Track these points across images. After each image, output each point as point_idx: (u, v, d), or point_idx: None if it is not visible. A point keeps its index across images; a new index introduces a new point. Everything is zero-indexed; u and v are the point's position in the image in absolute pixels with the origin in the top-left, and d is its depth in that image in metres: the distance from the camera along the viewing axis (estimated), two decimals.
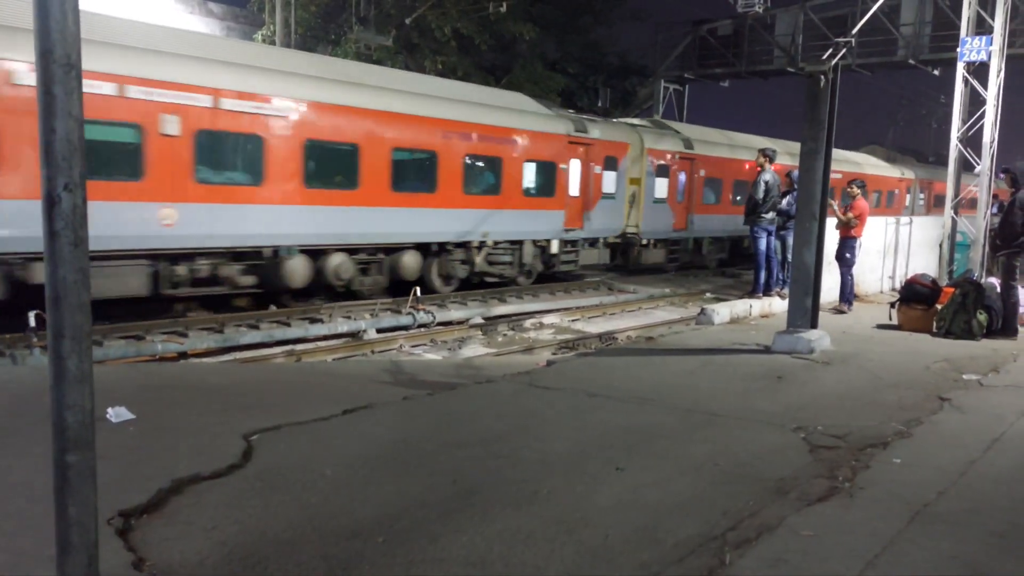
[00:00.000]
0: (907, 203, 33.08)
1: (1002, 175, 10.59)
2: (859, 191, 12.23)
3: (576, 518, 3.94)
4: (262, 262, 12.83)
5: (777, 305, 11.86)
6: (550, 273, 18.63)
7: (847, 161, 27.41)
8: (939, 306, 10.25)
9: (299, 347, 11.34)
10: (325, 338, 12.08)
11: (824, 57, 8.65)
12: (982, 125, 14.38)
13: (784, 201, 12.42)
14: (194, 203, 11.77)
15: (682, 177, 21.73)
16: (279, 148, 12.66)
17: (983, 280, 11.03)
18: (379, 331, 12.56)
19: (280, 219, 12.77)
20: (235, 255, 12.57)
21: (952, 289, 10.37)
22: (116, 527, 3.62)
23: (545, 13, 29.00)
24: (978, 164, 14.74)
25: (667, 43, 31.48)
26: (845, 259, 12.00)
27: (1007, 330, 9.97)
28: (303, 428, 5.30)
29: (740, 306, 11.70)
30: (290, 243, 12.93)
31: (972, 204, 15.14)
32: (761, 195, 12.62)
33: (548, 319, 14.14)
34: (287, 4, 21.78)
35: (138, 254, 11.38)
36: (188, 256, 11.99)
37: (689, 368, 7.85)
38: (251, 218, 12.44)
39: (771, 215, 12.60)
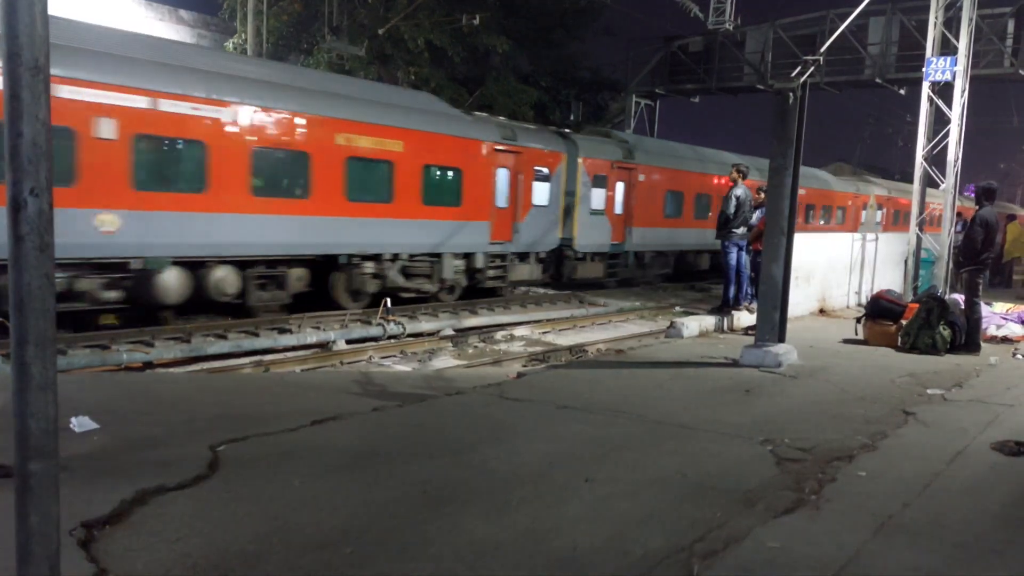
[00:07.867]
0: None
1: (969, 192, 10.74)
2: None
3: (545, 529, 3.94)
4: None
5: (746, 319, 11.96)
6: None
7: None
8: (904, 321, 10.40)
9: (267, 358, 11.23)
10: (294, 348, 11.99)
11: (793, 75, 8.77)
12: (947, 143, 14.66)
13: (755, 216, 12.54)
14: None
15: None
16: None
17: (947, 296, 11.20)
18: (348, 342, 12.49)
19: None
20: None
21: (917, 305, 10.53)
22: (78, 538, 3.55)
23: (518, 26, 29.11)
24: (943, 182, 15.02)
25: (639, 58, 31.76)
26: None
27: (970, 345, 10.13)
28: (271, 439, 5.25)
29: (709, 320, 11.78)
30: None
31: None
32: (732, 210, 12.74)
33: (519, 331, 14.15)
34: (259, 13, 21.65)
35: None
36: None
37: (658, 381, 7.89)
38: None
39: (742, 230, 12.72)
